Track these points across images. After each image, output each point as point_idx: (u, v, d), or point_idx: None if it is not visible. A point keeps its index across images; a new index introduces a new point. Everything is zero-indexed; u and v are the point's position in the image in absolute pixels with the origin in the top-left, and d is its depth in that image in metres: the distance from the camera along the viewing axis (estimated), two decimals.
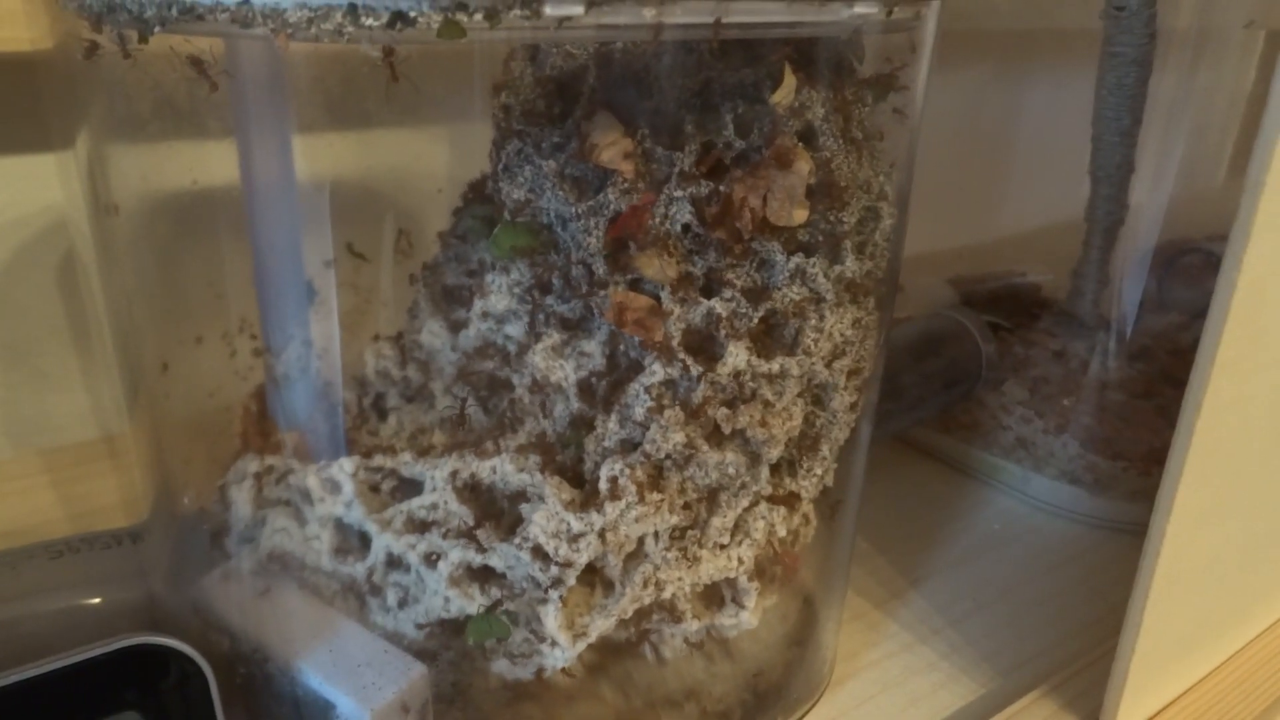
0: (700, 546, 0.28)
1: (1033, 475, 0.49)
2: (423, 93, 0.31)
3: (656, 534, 0.27)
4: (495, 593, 0.27)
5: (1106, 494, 0.47)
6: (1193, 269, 0.54)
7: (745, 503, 0.28)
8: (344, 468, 0.29)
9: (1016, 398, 0.50)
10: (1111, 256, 0.50)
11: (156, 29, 0.20)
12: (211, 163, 0.30)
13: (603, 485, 0.26)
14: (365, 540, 0.29)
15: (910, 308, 0.54)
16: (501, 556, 0.27)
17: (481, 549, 0.27)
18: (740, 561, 0.29)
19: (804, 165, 0.25)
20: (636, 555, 0.27)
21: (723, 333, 0.26)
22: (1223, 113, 0.55)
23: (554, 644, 0.27)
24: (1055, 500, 0.48)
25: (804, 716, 0.34)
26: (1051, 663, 0.38)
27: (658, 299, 0.26)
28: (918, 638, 0.39)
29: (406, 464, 0.29)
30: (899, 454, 0.54)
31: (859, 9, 0.24)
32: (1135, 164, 0.48)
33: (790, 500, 0.29)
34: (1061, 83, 0.62)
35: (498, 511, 0.28)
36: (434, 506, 0.28)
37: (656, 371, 0.26)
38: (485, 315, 0.29)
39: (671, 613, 0.29)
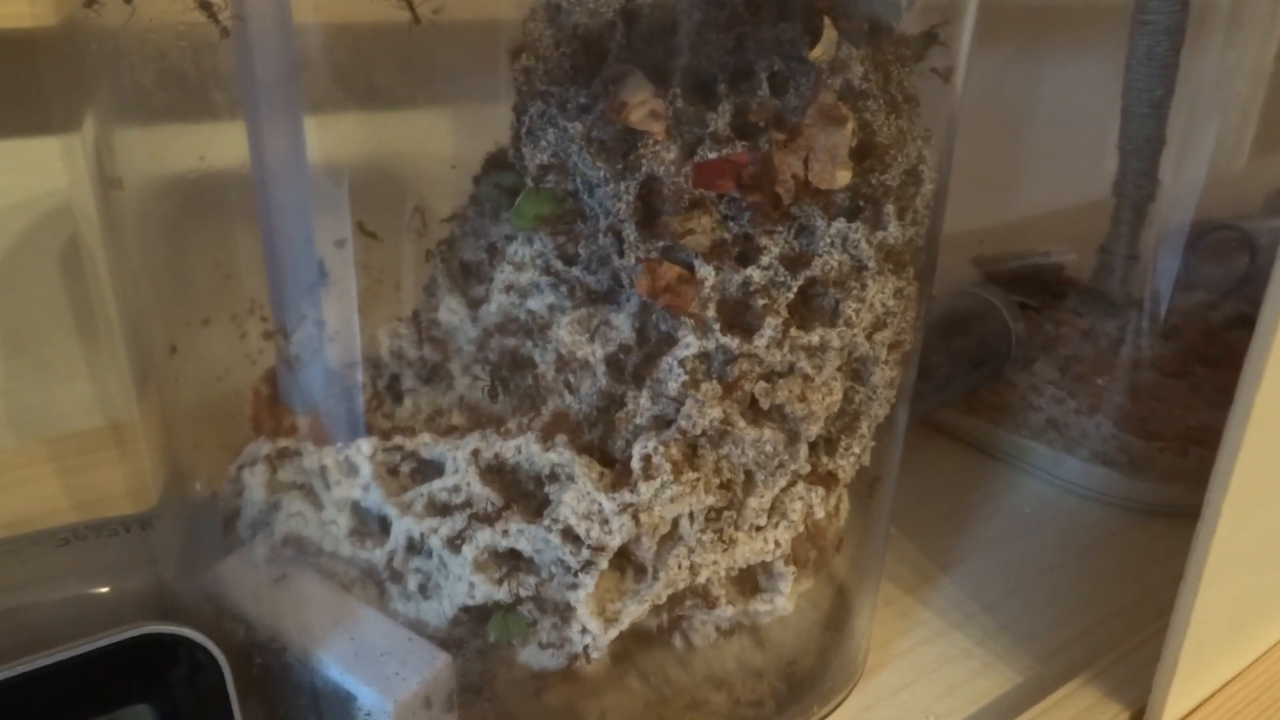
0: (736, 528, 0.27)
1: (1064, 457, 0.48)
2: (438, 66, 0.30)
3: (691, 515, 0.26)
4: (523, 577, 0.26)
5: (1141, 475, 0.46)
6: (1222, 246, 0.53)
7: (783, 483, 0.27)
8: (362, 449, 0.28)
9: (1047, 377, 0.48)
10: (1141, 232, 0.49)
11: None
12: (220, 140, 0.29)
13: (635, 464, 0.25)
14: (385, 525, 0.28)
15: (934, 287, 0.52)
16: (529, 539, 0.25)
17: (507, 531, 0.26)
18: (777, 544, 0.27)
19: (849, 123, 0.24)
20: (670, 538, 0.26)
21: (760, 303, 0.25)
22: (1251, 87, 0.54)
23: (584, 631, 0.26)
24: (1088, 482, 0.47)
25: (838, 706, 0.33)
26: (1089, 648, 0.37)
27: (691, 268, 0.25)
28: (951, 624, 0.38)
29: (426, 445, 0.28)
30: (925, 437, 0.53)
31: None
32: (1166, 137, 0.47)
33: (828, 480, 0.28)
34: (1086, 58, 0.61)
35: (524, 493, 0.26)
36: (456, 489, 0.27)
37: (690, 344, 0.25)
38: (507, 289, 0.28)
39: (705, 598, 0.28)
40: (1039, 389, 0.48)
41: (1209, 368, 0.48)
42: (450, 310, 0.31)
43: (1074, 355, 0.48)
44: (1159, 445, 0.45)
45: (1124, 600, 0.40)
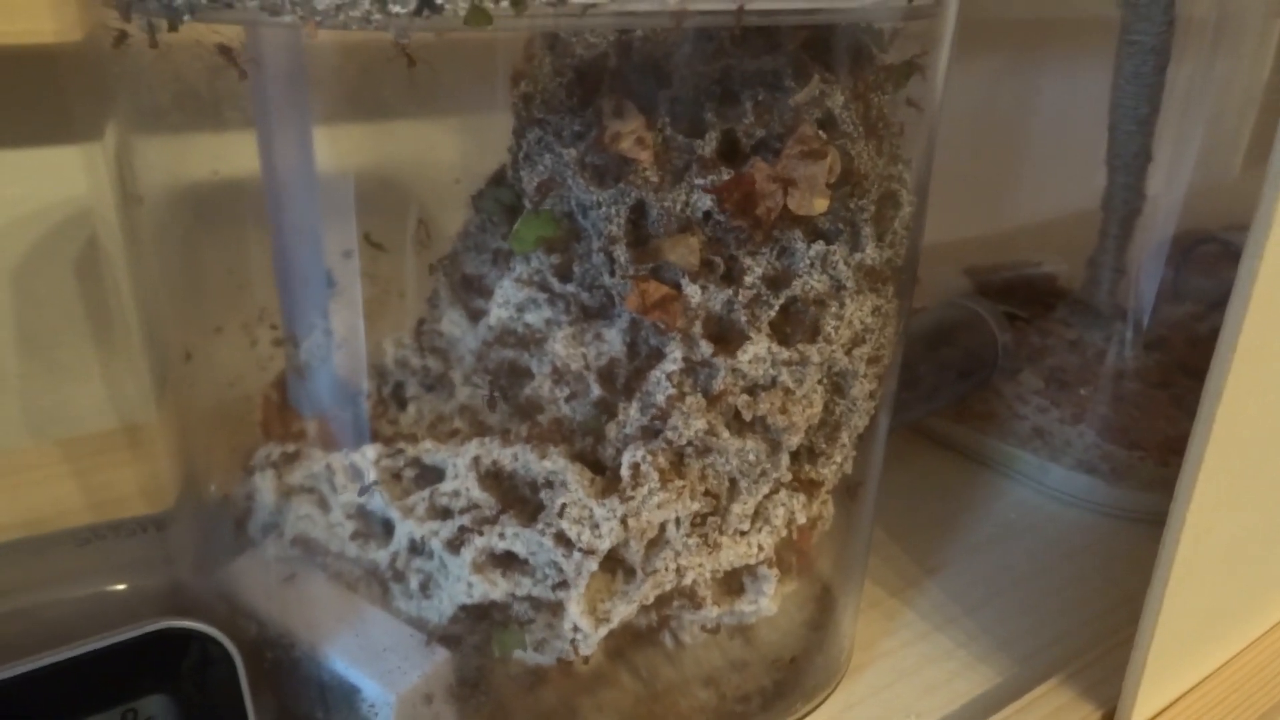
0: (721, 533, 0.28)
1: (1049, 465, 0.49)
2: (442, 83, 0.31)
3: (678, 520, 0.27)
4: (518, 578, 0.27)
5: (1123, 483, 0.47)
6: (1210, 259, 0.54)
7: (765, 490, 0.28)
8: (366, 455, 0.29)
9: (1033, 387, 0.49)
10: (1128, 246, 0.50)
11: (186, 17, 0.20)
12: (232, 153, 0.30)
13: (625, 472, 0.26)
14: (388, 527, 0.29)
15: (925, 298, 0.54)
16: (524, 542, 0.27)
17: (503, 534, 0.27)
18: (760, 548, 0.29)
19: (828, 156, 0.25)
20: (658, 541, 0.28)
21: (743, 320, 0.26)
22: (1240, 102, 0.55)
23: (576, 630, 0.27)
24: (1071, 490, 0.48)
25: (822, 704, 0.34)
26: (1068, 651, 0.38)
27: (678, 287, 0.26)
28: (934, 626, 0.39)
29: (428, 451, 0.29)
30: (914, 444, 0.54)
31: None
32: (1152, 153, 0.48)
33: (810, 487, 0.30)
34: (1076, 73, 0.62)
35: (520, 498, 0.28)
36: (456, 493, 0.28)
37: (677, 358, 0.26)
38: (505, 303, 0.30)
39: (692, 599, 0.29)
40: (1025, 398, 0.50)
41: (1192, 379, 0.49)
42: (452, 322, 0.33)
43: (1059, 365, 0.49)
44: (1140, 454, 0.47)
45: (1104, 604, 0.41)
